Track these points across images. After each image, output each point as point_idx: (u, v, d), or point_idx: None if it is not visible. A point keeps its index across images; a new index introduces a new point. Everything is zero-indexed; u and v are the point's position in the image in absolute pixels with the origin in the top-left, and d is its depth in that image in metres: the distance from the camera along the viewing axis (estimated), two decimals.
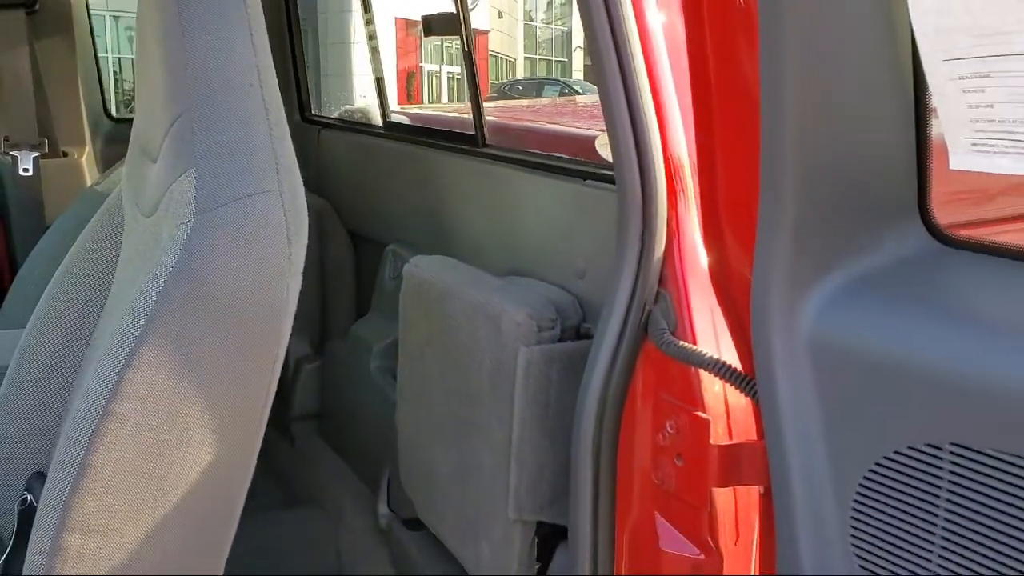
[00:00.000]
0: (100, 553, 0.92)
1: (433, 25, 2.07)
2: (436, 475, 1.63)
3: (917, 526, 0.80)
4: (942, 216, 1.00)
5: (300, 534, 2.22)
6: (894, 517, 0.82)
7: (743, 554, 1.17)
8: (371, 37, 2.58)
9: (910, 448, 0.79)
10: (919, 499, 0.80)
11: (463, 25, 1.93)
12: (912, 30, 0.79)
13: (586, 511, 1.25)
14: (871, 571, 0.85)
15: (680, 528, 1.18)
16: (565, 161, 1.64)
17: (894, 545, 0.83)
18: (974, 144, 0.77)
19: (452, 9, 1.95)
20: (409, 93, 15.30)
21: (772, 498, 0.96)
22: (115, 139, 3.03)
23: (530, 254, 1.63)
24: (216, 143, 0.93)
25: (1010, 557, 0.74)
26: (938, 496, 0.78)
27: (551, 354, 1.38)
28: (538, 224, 1.62)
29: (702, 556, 1.17)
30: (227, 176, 0.92)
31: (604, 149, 1.53)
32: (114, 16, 12.14)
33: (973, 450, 0.75)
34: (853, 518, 0.86)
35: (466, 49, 1.94)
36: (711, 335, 1.15)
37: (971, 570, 0.77)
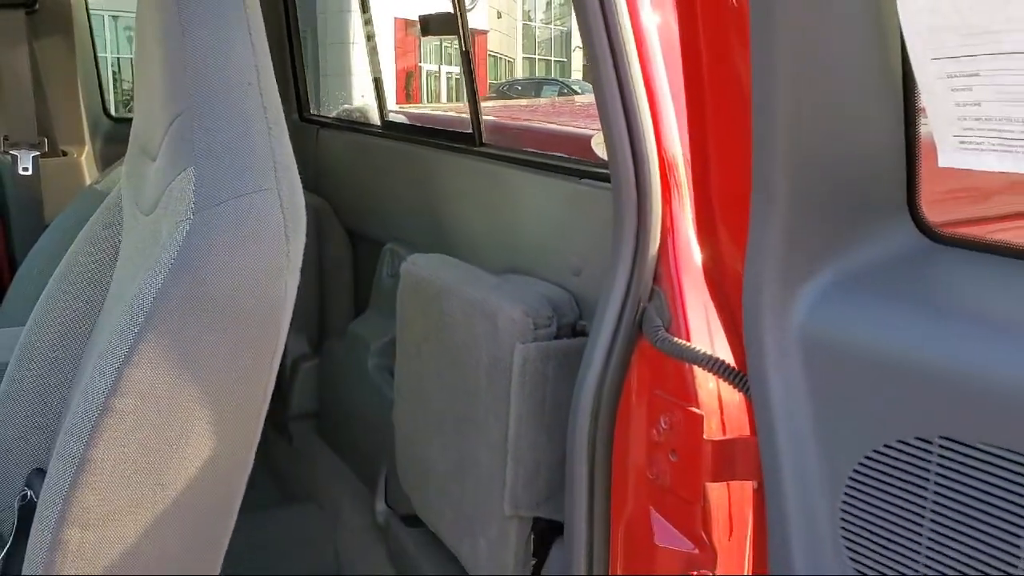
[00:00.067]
0: (100, 547, 0.93)
1: (431, 25, 2.08)
2: (433, 472, 1.64)
3: (906, 519, 0.81)
4: (939, 214, 1.01)
5: (298, 531, 2.23)
6: (883, 510, 0.83)
7: (737, 549, 1.18)
8: (369, 37, 2.59)
9: (899, 442, 0.80)
10: (908, 492, 0.81)
11: (460, 25, 1.94)
12: (901, 29, 0.80)
13: (581, 507, 1.26)
14: (861, 564, 0.86)
15: (674, 523, 1.19)
16: (562, 160, 1.65)
17: (883, 538, 0.84)
18: (962, 142, 0.78)
19: (450, 9, 1.96)
20: (408, 93, 15.30)
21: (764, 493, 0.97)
22: (114, 138, 3.04)
23: (527, 252, 1.64)
24: (215, 142, 0.94)
25: (997, 548, 0.76)
26: (926, 489, 0.79)
27: (547, 351, 1.39)
28: (535, 222, 1.63)
29: (696, 551, 1.18)
30: (226, 174, 0.93)
31: (600, 148, 1.54)
32: (113, 16, 12.14)
33: (962, 443, 0.76)
34: (843, 512, 0.87)
35: (463, 48, 1.95)
36: (705, 331, 1.16)
37: (959, 562, 0.78)
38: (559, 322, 1.43)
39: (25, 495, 1.18)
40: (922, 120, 0.87)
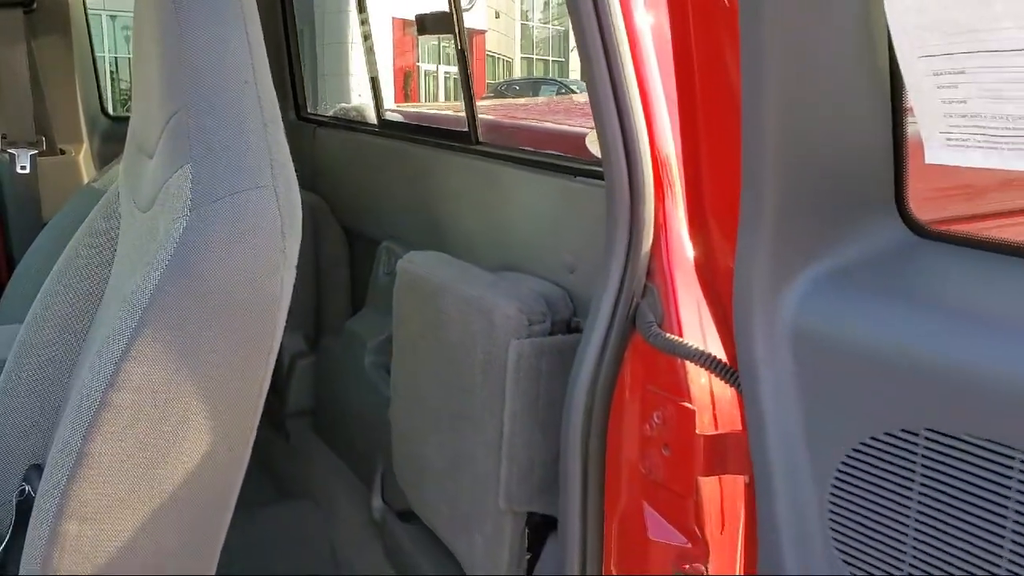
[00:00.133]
0: (97, 541, 0.94)
1: (427, 23, 2.09)
2: (429, 468, 1.65)
3: (893, 510, 0.82)
4: (934, 212, 1.02)
5: (295, 528, 2.24)
6: (871, 502, 0.84)
7: (729, 543, 1.19)
8: (366, 37, 2.60)
9: (886, 434, 0.82)
10: (895, 484, 0.82)
11: (456, 24, 1.95)
12: (889, 28, 0.81)
13: (575, 501, 1.27)
14: (849, 556, 0.88)
15: (667, 517, 1.20)
16: (557, 158, 1.66)
17: (871, 529, 0.85)
18: (948, 139, 0.79)
19: (446, 8, 1.97)
20: (406, 92, 15.30)
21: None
22: (112, 137, 3.05)
23: (522, 249, 1.65)
24: (212, 139, 0.95)
25: (981, 539, 0.77)
26: (912, 480, 0.80)
27: (541, 347, 1.40)
28: (530, 220, 1.64)
29: (689, 545, 1.19)
30: (223, 171, 0.94)
31: (594, 146, 1.55)
32: (111, 16, 12.14)
33: (947, 435, 0.78)
34: (831, 504, 0.88)
35: (459, 47, 1.96)
36: (697, 327, 1.17)
37: (944, 552, 0.79)
38: (553, 319, 1.45)
39: (23, 490, 1.19)
40: (910, 119, 0.88)
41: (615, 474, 1.26)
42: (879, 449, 0.83)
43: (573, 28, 1.23)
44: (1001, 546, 0.75)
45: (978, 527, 0.76)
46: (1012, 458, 0.73)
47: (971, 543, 0.77)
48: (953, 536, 0.78)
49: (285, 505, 2.37)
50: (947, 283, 0.88)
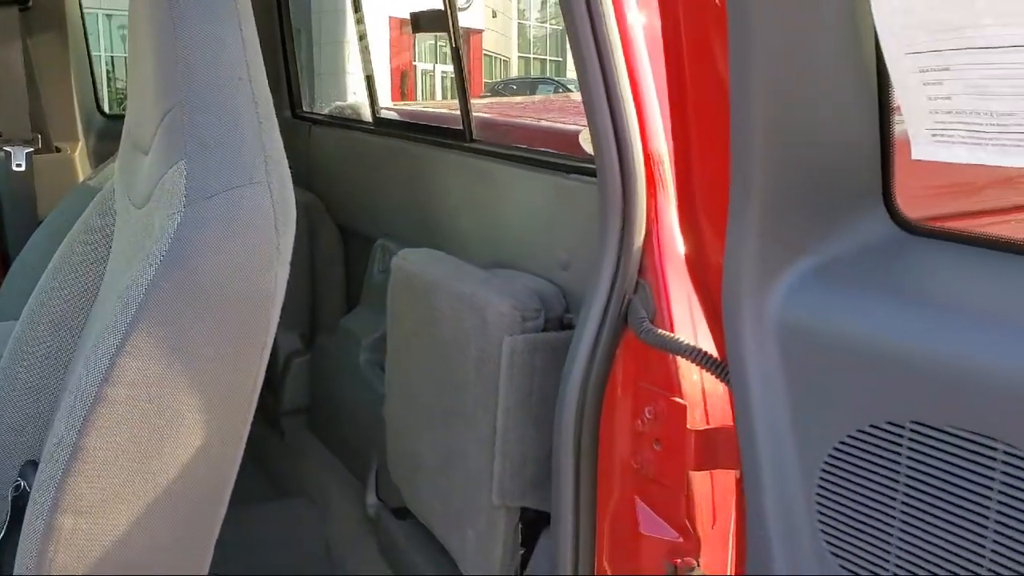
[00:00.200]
0: (92, 535, 0.94)
1: (421, 22, 2.10)
2: (423, 465, 1.66)
3: (879, 502, 0.83)
4: (929, 208, 1.03)
5: (290, 524, 2.25)
6: (857, 494, 0.85)
7: (720, 538, 1.20)
8: (361, 36, 2.61)
9: (872, 427, 0.82)
10: (881, 476, 0.83)
11: (450, 21, 1.96)
12: (875, 25, 0.82)
13: (568, 496, 1.28)
14: (837, 548, 0.89)
15: (659, 512, 1.21)
16: (551, 155, 1.67)
17: (858, 521, 0.86)
18: (934, 135, 0.80)
19: (440, 6, 1.98)
20: (403, 91, 15.31)
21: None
22: (107, 135, 3.06)
23: (516, 246, 1.66)
24: (206, 136, 0.96)
25: (964, 529, 0.78)
26: (898, 472, 0.81)
27: (535, 343, 1.41)
28: (524, 217, 1.65)
29: (680, 539, 1.20)
30: (217, 168, 0.94)
31: (587, 143, 1.56)
32: (107, 15, 12.12)
33: (931, 427, 0.78)
34: (819, 497, 0.89)
35: (453, 45, 1.97)
36: (689, 323, 1.18)
37: (929, 543, 0.80)
38: (547, 315, 1.45)
39: (18, 486, 1.19)
40: (898, 117, 0.89)
41: (607, 469, 1.27)
42: (865, 442, 0.84)
43: (566, 27, 1.24)
44: (984, 536, 0.76)
45: (962, 517, 0.77)
46: (995, 449, 0.74)
47: (955, 533, 0.78)
48: (937, 527, 0.79)
49: (280, 502, 2.38)
50: (933, 278, 0.89)
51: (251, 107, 0.98)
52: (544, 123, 2.69)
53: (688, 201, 1.17)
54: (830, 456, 0.86)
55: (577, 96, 1.31)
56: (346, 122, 2.61)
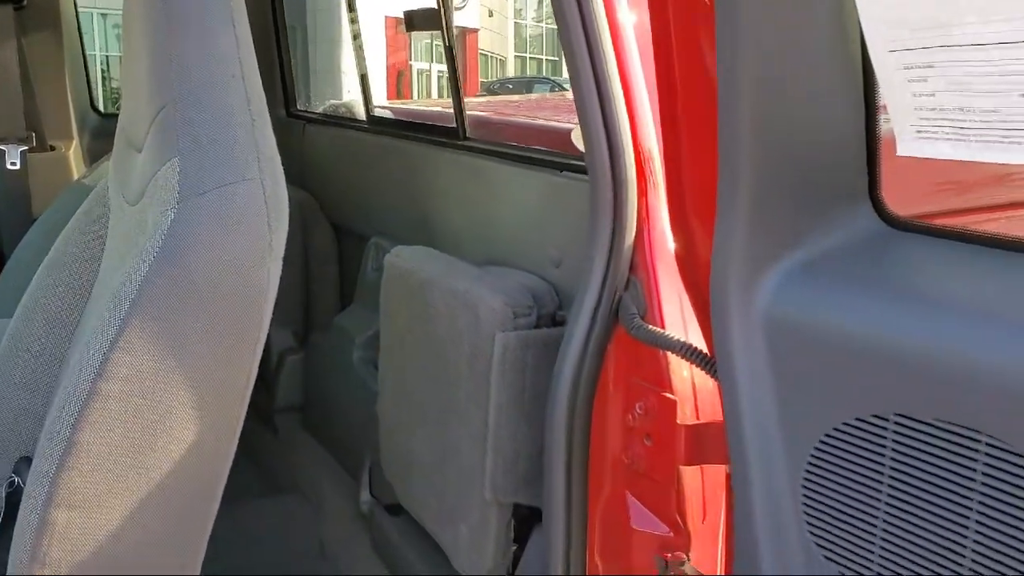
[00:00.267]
0: (85, 529, 0.95)
1: (415, 20, 2.10)
2: (416, 461, 1.66)
3: (864, 494, 0.84)
4: (925, 206, 1.04)
5: (283, 521, 2.25)
6: (842, 486, 0.86)
7: (710, 532, 1.21)
8: (355, 36, 2.61)
9: (857, 419, 0.83)
10: (866, 468, 0.84)
11: (444, 20, 1.96)
12: (860, 22, 0.83)
13: (559, 492, 1.29)
14: (822, 540, 0.89)
15: (649, 506, 1.22)
16: (543, 153, 1.68)
17: (843, 513, 0.87)
18: (919, 131, 0.81)
19: (434, 5, 1.98)
20: (399, 90, 15.31)
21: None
22: (102, 133, 3.06)
23: (508, 244, 1.67)
24: (199, 133, 0.96)
25: (947, 520, 0.79)
26: (883, 464, 0.82)
27: (527, 340, 1.42)
28: (516, 214, 1.66)
29: (671, 534, 1.21)
30: (210, 165, 0.95)
31: (579, 141, 1.56)
32: (102, 14, 12.11)
33: (916, 420, 0.79)
34: (804, 489, 0.90)
35: (447, 44, 1.97)
36: (679, 319, 1.19)
37: (913, 534, 0.81)
38: (539, 312, 1.46)
39: (12, 481, 1.20)
40: (884, 116, 0.90)
41: (599, 464, 1.27)
42: (850, 435, 0.85)
43: (557, 26, 1.25)
44: (966, 527, 0.77)
45: (945, 508, 0.78)
46: (978, 441, 0.75)
47: (938, 524, 0.79)
48: (922, 518, 0.80)
49: (273, 499, 2.38)
50: (919, 273, 0.90)
51: (244, 105, 0.99)
52: (537, 121, 2.70)
53: (678, 198, 1.18)
54: (816, 449, 0.87)
55: (572, 94, 1.31)
56: (340, 120, 2.62)
